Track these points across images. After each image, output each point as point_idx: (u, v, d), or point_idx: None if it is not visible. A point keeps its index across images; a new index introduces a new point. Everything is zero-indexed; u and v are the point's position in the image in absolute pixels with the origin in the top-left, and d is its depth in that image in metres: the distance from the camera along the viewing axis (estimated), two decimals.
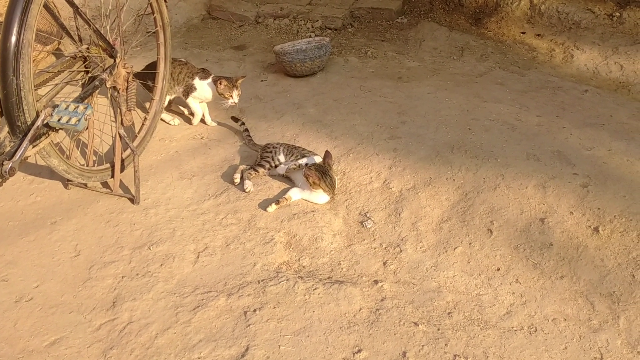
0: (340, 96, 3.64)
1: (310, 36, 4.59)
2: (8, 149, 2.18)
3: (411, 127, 3.23)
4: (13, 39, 2.07)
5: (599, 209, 2.54)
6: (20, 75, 2.11)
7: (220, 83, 3.13)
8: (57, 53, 3.80)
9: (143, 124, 3.02)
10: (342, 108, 3.48)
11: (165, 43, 3.05)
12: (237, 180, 2.81)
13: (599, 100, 3.67)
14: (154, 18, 2.96)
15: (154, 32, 3.06)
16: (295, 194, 2.71)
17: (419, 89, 3.72)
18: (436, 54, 4.40)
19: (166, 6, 2.98)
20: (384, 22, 4.86)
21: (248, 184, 2.76)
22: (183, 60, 3.41)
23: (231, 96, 3.15)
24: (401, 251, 2.45)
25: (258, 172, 2.84)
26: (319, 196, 2.69)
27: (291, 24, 4.83)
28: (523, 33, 4.67)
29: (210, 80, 3.20)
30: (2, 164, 2.11)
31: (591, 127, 3.21)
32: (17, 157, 2.13)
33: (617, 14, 4.59)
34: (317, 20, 4.81)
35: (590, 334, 2.06)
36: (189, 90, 3.22)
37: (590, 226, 2.48)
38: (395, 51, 4.42)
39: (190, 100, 3.27)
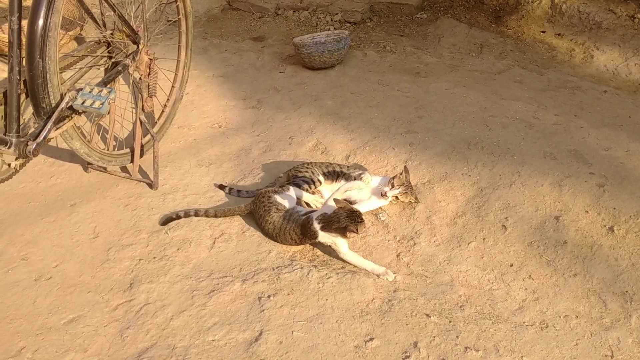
0: (358, 90, 3.65)
1: (330, 29, 4.60)
2: (32, 130, 2.22)
3: (428, 122, 3.24)
4: (40, 21, 2.11)
5: (614, 208, 2.54)
6: (47, 58, 2.14)
7: None
8: (79, 38, 3.85)
9: (163, 111, 3.06)
10: (360, 101, 3.49)
11: (187, 31, 3.08)
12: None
13: (617, 101, 3.65)
14: (177, 6, 2.99)
15: (175, 21, 3.09)
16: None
17: (437, 85, 3.72)
18: (455, 51, 4.40)
19: None
20: (403, 17, 4.86)
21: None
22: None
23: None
24: (415, 244, 2.47)
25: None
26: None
27: (310, 16, 4.84)
28: (543, 32, 4.65)
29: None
30: (27, 144, 2.16)
31: (609, 128, 3.19)
32: (41, 138, 2.18)
33: (639, 16, 4.55)
34: (337, 14, 4.81)
35: (601, 332, 2.06)
36: None
37: (605, 225, 2.48)
38: (413, 46, 4.42)
39: None
